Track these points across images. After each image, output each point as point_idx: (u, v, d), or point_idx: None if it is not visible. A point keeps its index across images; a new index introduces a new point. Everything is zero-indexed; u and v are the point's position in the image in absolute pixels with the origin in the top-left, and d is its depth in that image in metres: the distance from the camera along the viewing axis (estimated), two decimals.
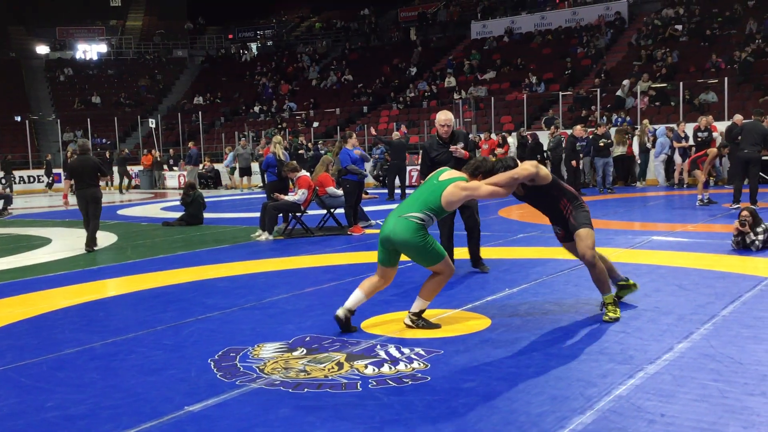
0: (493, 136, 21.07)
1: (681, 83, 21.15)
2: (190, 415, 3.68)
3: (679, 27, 26.67)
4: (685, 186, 16.70)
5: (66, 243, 11.21)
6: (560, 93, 23.98)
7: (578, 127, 17.72)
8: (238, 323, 5.55)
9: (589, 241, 5.19)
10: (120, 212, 16.87)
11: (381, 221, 11.82)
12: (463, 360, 4.40)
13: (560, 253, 7.72)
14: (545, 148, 19.19)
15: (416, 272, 7.09)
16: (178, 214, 13.68)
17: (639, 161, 18.63)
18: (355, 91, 32.01)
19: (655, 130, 18.78)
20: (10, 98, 36.13)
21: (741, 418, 3.35)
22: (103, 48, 43.30)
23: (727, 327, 4.87)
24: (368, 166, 18.14)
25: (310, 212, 11.86)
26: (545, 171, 5.25)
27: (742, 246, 7.83)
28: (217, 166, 26.78)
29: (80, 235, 11.70)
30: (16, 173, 27.96)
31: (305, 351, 4.69)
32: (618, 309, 5.25)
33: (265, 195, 13.21)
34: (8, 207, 17.76)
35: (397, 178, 17.31)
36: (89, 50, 42.81)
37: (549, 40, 30.34)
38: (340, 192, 11.15)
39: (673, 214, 12.14)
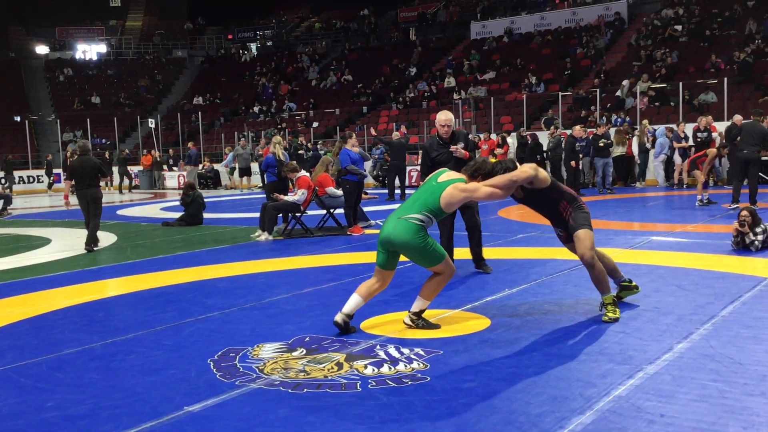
0: (493, 136, 21.07)
1: (680, 83, 21.16)
2: (189, 415, 3.68)
3: (679, 27, 26.68)
4: (684, 186, 16.71)
5: (66, 243, 11.21)
6: (560, 93, 23.99)
7: (577, 127, 17.73)
8: (237, 323, 5.55)
9: (587, 242, 5.19)
10: (119, 212, 16.87)
11: (381, 221, 11.84)
12: (462, 360, 4.40)
13: (560, 253, 7.73)
14: (545, 148, 19.21)
15: (415, 273, 7.10)
16: (177, 215, 13.68)
17: (638, 161, 18.64)
18: (355, 91, 32.02)
19: (655, 130, 18.79)
20: (10, 98, 36.13)
21: (740, 419, 3.36)
22: (102, 48, 43.30)
23: (726, 327, 4.88)
24: (367, 164, 18.17)
25: (310, 212, 11.86)
26: (544, 174, 5.26)
27: (742, 246, 7.84)
28: (216, 166, 26.79)
29: (80, 235, 11.71)
30: (16, 173, 27.97)
31: (305, 351, 4.69)
32: (617, 309, 5.25)
33: (264, 195, 13.21)
34: (8, 207, 17.76)
35: (396, 178, 17.32)
36: (89, 50, 42.81)
37: (548, 41, 30.35)
38: (339, 192, 11.16)
39: (672, 215, 12.14)
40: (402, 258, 5.23)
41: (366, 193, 12.24)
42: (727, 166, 16.49)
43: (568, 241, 5.54)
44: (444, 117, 7.15)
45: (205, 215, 13.51)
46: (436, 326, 5.15)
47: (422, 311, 5.17)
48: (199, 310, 6.07)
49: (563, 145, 17.52)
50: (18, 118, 33.79)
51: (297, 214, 10.90)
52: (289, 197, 10.90)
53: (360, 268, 7.74)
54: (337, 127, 27.99)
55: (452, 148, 7.06)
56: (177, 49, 44.27)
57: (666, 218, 11.65)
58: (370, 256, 8.34)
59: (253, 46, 44.32)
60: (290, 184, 11.69)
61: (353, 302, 5.09)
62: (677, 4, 28.56)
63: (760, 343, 4.50)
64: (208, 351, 4.79)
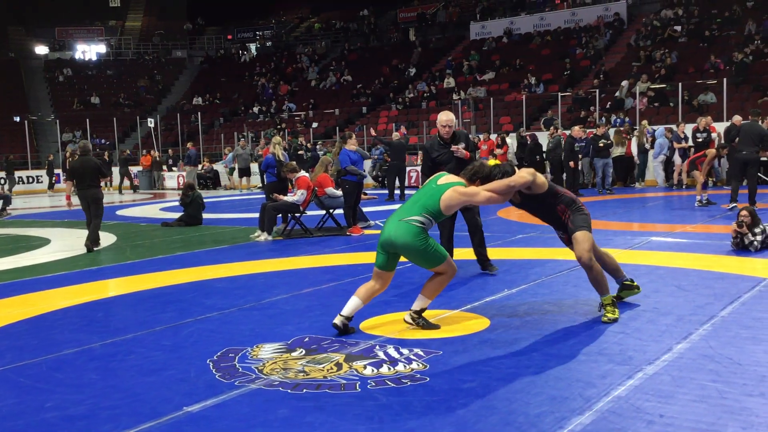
0: (492, 136, 21.08)
1: (680, 84, 21.18)
2: (189, 415, 3.68)
3: (678, 28, 26.69)
4: (684, 187, 16.72)
5: (65, 243, 11.20)
6: (559, 94, 24.00)
7: (576, 127, 17.74)
8: (237, 324, 5.55)
9: (585, 245, 5.19)
10: (119, 213, 16.87)
11: (380, 222, 11.85)
12: (462, 360, 4.40)
13: (559, 253, 7.73)
14: (544, 148, 19.21)
15: (415, 273, 7.10)
16: (177, 215, 13.68)
17: (638, 162, 18.64)
18: (354, 91, 32.02)
19: (654, 130, 18.79)
20: (9, 98, 36.12)
21: (740, 419, 3.36)
22: (102, 48, 43.30)
23: (725, 328, 4.88)
24: (367, 165, 18.17)
25: (309, 213, 11.86)
26: (542, 179, 5.27)
27: (741, 247, 7.84)
28: (215, 166, 26.80)
29: (79, 235, 11.70)
30: (16, 174, 27.97)
31: (304, 351, 4.69)
32: (616, 309, 5.25)
33: (264, 196, 13.21)
34: (7, 207, 17.75)
35: (396, 179, 17.32)
36: (88, 50, 42.81)
37: (548, 41, 30.36)
38: (339, 192, 11.16)
39: (672, 215, 12.15)
40: (402, 258, 5.23)
41: (365, 194, 12.24)
42: (727, 167, 16.50)
43: (569, 243, 5.54)
44: (445, 117, 7.15)
45: (205, 215, 13.52)
46: (435, 326, 5.15)
47: (423, 310, 5.17)
48: (199, 310, 6.07)
49: (563, 146, 17.53)
50: (17, 119, 33.78)
51: (296, 215, 10.90)
52: (289, 197, 10.90)
53: (359, 268, 7.74)
54: (337, 128, 28.01)
55: (453, 147, 7.06)
56: (176, 49, 44.27)
57: (665, 219, 11.65)
58: (369, 257, 8.34)
59: (253, 47, 44.34)
60: (290, 184, 11.69)
61: (352, 305, 5.09)
62: (676, 5, 28.57)
63: (759, 344, 4.50)
64: (207, 351, 4.79)
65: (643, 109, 21.80)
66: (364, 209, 12.19)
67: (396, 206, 14.93)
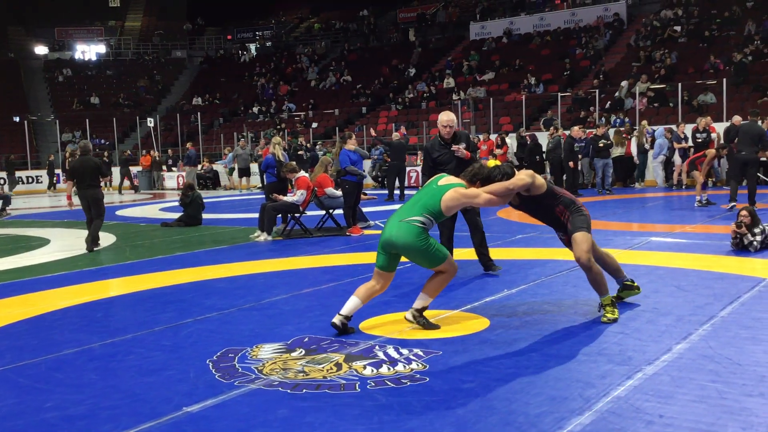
0: (492, 137, 21.09)
1: (680, 84, 21.18)
2: (188, 415, 3.68)
3: (678, 28, 26.69)
4: (683, 187, 16.72)
5: (65, 243, 11.20)
6: (559, 94, 24.00)
7: (576, 128, 17.74)
8: (236, 324, 5.55)
9: (584, 245, 5.20)
10: (119, 213, 16.86)
11: (380, 222, 11.85)
12: (461, 361, 4.40)
13: (559, 254, 7.73)
14: (544, 149, 19.22)
15: (414, 274, 7.10)
16: (176, 215, 13.68)
17: (637, 162, 18.65)
18: (354, 92, 32.02)
19: (654, 131, 18.79)
20: (9, 99, 36.10)
21: (739, 419, 3.36)
22: (101, 48, 43.29)
23: (725, 328, 4.88)
24: (366, 165, 18.16)
25: (309, 213, 11.86)
26: (541, 181, 5.29)
27: (741, 247, 7.84)
28: (215, 166, 26.80)
29: (79, 235, 11.70)
30: (16, 174, 27.99)
31: (304, 352, 4.69)
32: (616, 310, 5.25)
33: (264, 196, 13.21)
34: (7, 207, 17.75)
35: (396, 179, 17.33)
36: (88, 51, 42.80)
37: (548, 41, 30.36)
38: (338, 193, 11.16)
39: (671, 215, 12.15)
40: (403, 259, 5.24)
41: (365, 194, 12.24)
42: (726, 167, 16.51)
43: (569, 244, 5.55)
44: (446, 117, 7.15)
45: (204, 216, 13.52)
46: (435, 326, 5.16)
47: (424, 308, 5.18)
48: (198, 310, 6.07)
49: (562, 146, 17.54)
50: (17, 119, 33.77)
51: (296, 215, 10.90)
52: (288, 198, 10.90)
53: (359, 268, 7.74)
54: (336, 128, 28.01)
55: (454, 147, 7.06)
56: (176, 49, 44.26)
57: (665, 219, 11.66)
58: (369, 257, 8.34)
59: (253, 47, 44.33)
60: (289, 184, 11.69)
61: (352, 304, 5.10)
62: (676, 5, 28.57)
63: (758, 344, 4.50)
64: (207, 351, 4.79)
65: (642, 109, 21.80)
66: (364, 209, 12.19)
67: (396, 206, 14.95)
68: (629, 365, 4.18)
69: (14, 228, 14.15)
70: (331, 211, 11.49)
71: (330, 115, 30.59)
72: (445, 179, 5.27)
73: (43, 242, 11.48)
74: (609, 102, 22.85)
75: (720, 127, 17.13)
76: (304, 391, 3.95)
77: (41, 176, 29.00)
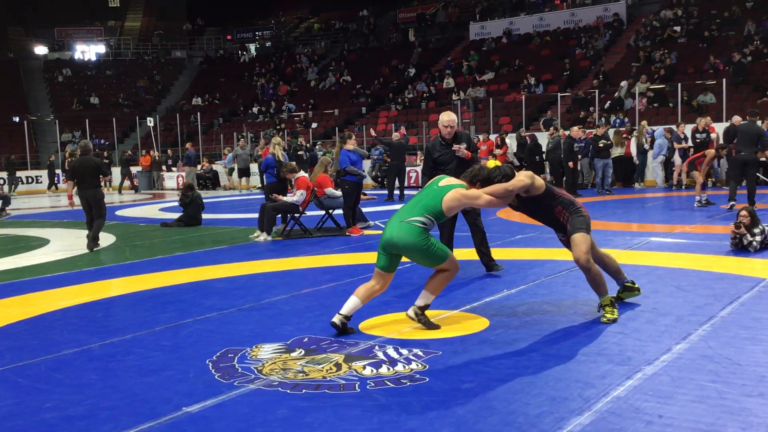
0: (492, 137, 21.09)
1: (679, 84, 21.18)
2: (188, 416, 3.68)
3: (678, 28, 26.70)
4: (683, 187, 16.72)
5: (64, 243, 11.20)
6: (558, 94, 24.01)
7: (575, 128, 17.74)
8: (236, 324, 5.55)
9: (583, 246, 5.20)
10: (118, 213, 16.86)
11: (379, 222, 11.85)
12: (461, 361, 4.40)
13: (558, 254, 7.73)
14: (544, 149, 19.23)
15: (414, 274, 7.11)
16: (176, 215, 13.68)
17: (637, 162, 18.65)
18: (354, 92, 32.03)
19: (653, 131, 18.80)
20: (9, 99, 36.11)
21: (739, 419, 3.36)
22: (101, 49, 43.29)
23: (725, 328, 4.88)
24: (366, 165, 18.15)
25: (309, 213, 11.86)
26: (540, 182, 5.30)
27: (740, 247, 7.85)
28: (215, 166, 26.79)
29: (79, 235, 11.70)
30: (17, 174, 28.00)
31: (303, 352, 4.69)
32: (615, 310, 5.25)
33: (263, 196, 13.21)
34: (6, 207, 17.75)
35: (396, 179, 17.33)
36: (88, 51, 42.79)
37: (547, 42, 30.37)
38: (338, 193, 11.16)
39: (671, 216, 12.15)
40: (404, 259, 5.25)
41: (365, 194, 12.24)
42: (726, 167, 16.51)
43: (568, 245, 5.55)
44: (447, 118, 7.16)
45: (204, 216, 13.52)
46: (436, 326, 5.17)
47: (427, 306, 5.20)
48: (198, 310, 6.07)
49: (562, 146, 17.54)
50: (17, 119, 33.77)
51: (296, 215, 10.90)
52: (288, 198, 10.90)
53: (359, 268, 7.74)
54: (336, 128, 28.00)
55: (455, 147, 7.06)
56: (176, 49, 44.25)
57: (665, 219, 11.66)
58: (368, 257, 8.34)
59: (252, 47, 44.33)
60: (289, 185, 11.69)
61: (351, 304, 5.11)
62: (676, 5, 28.58)
63: (758, 344, 4.50)
64: (206, 352, 4.79)
65: (642, 109, 21.80)
66: (364, 209, 12.19)
67: (395, 207, 14.97)
68: (629, 365, 4.18)
69: (14, 228, 14.15)
70: (330, 211, 11.49)
71: (330, 116, 30.59)
72: (446, 180, 5.29)
73: (42, 242, 11.48)
74: (608, 102, 22.85)
75: (720, 128, 17.13)
76: (304, 391, 3.95)
77: (41, 176, 29.00)
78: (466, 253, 7.68)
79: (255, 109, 33.84)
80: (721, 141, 15.21)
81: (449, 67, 30.99)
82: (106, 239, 11.32)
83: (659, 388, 3.79)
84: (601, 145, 17.29)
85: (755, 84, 21.33)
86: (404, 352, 4.60)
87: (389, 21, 40.31)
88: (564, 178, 17.31)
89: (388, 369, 4.26)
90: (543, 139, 19.69)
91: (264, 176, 12.35)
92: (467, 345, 4.73)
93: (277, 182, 11.46)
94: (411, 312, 5.20)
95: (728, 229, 8.26)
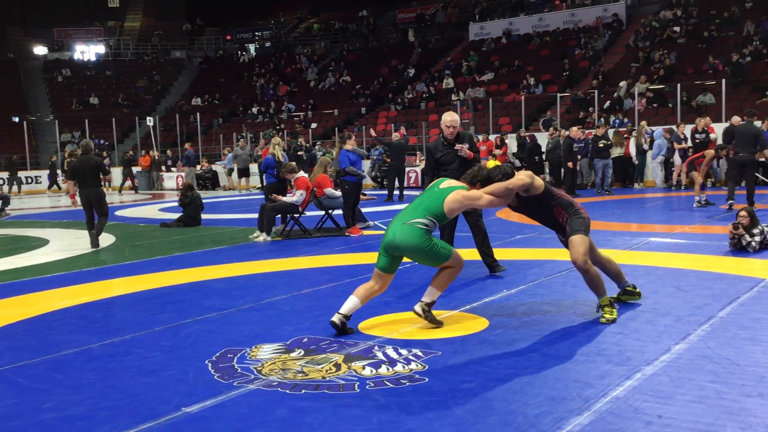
0: (491, 137, 21.10)
1: (678, 85, 21.18)
2: (187, 416, 3.68)
3: (677, 29, 26.71)
4: (682, 187, 16.72)
5: (64, 244, 11.20)
6: (558, 94, 24.01)
7: (575, 128, 17.75)
8: (235, 324, 5.55)
9: (581, 248, 5.20)
10: (118, 213, 16.86)
11: (379, 222, 11.86)
12: (460, 361, 4.40)
13: (558, 254, 7.74)
14: (544, 149, 19.23)
15: (414, 274, 7.11)
16: (176, 215, 13.68)
17: (636, 162, 18.66)
18: (354, 92, 32.03)
19: (653, 131, 18.80)
20: (8, 99, 36.09)
21: (738, 420, 3.36)
22: (101, 49, 43.28)
23: (724, 328, 4.88)
24: (365, 165, 18.13)
25: (308, 213, 11.86)
26: (539, 181, 5.32)
27: (739, 247, 7.85)
28: (214, 167, 26.79)
29: (78, 236, 11.71)
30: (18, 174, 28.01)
31: (303, 352, 4.69)
32: (615, 310, 5.26)
33: (263, 196, 13.21)
34: (6, 208, 17.74)
35: (396, 179, 17.33)
36: (87, 51, 42.79)
37: (547, 42, 30.37)
38: (338, 193, 11.16)
39: (670, 216, 12.16)
40: (404, 259, 5.26)
41: (364, 194, 12.24)
42: (725, 168, 16.51)
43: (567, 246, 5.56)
44: (449, 118, 7.17)
45: (204, 216, 13.51)
46: (439, 323, 5.20)
47: (433, 302, 5.22)
48: (197, 311, 6.07)
49: (561, 146, 17.54)
50: (16, 119, 33.75)
51: (295, 215, 10.90)
52: (288, 198, 10.90)
53: (358, 269, 7.75)
54: (336, 128, 28.00)
55: (457, 146, 7.07)
56: (175, 49, 44.25)
57: (664, 219, 11.66)
58: (368, 257, 8.35)
59: (252, 47, 44.34)
60: (289, 185, 11.69)
61: (351, 304, 5.12)
62: (675, 6, 28.59)
63: (757, 344, 4.50)
64: (206, 352, 4.79)
65: (641, 109, 21.81)
66: (363, 210, 12.19)
67: (395, 207, 14.97)
68: (628, 366, 4.18)
69: (13, 228, 14.14)
70: (330, 211, 11.49)
71: (329, 116, 30.59)
72: (447, 182, 5.33)
73: (42, 242, 11.47)
74: (608, 102, 22.86)
75: (719, 128, 17.13)
76: (303, 391, 3.95)
77: (40, 176, 28.99)
78: (466, 253, 7.64)
79: (254, 110, 33.84)
80: (720, 141, 15.21)
81: (449, 67, 31.00)
82: (105, 239, 11.32)
83: (658, 389, 3.79)
84: (600, 145, 17.29)
85: (754, 84, 21.33)
86: (404, 352, 4.60)
87: (389, 21, 40.32)
88: (563, 179, 17.30)
89: (388, 369, 4.27)
90: (543, 139, 19.69)
91: (264, 176, 12.35)
92: (467, 345, 4.74)
93: (276, 182, 11.46)
94: (418, 308, 5.21)
95: (727, 230, 8.26)
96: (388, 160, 19.33)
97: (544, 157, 19.26)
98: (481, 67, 29.81)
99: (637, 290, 5.75)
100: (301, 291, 6.78)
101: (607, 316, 5.18)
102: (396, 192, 17.21)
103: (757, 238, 7.77)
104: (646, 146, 18.43)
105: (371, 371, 4.23)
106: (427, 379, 4.07)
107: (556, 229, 5.56)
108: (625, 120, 21.33)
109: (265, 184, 12.35)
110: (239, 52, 43.30)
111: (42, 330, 5.67)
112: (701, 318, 5.16)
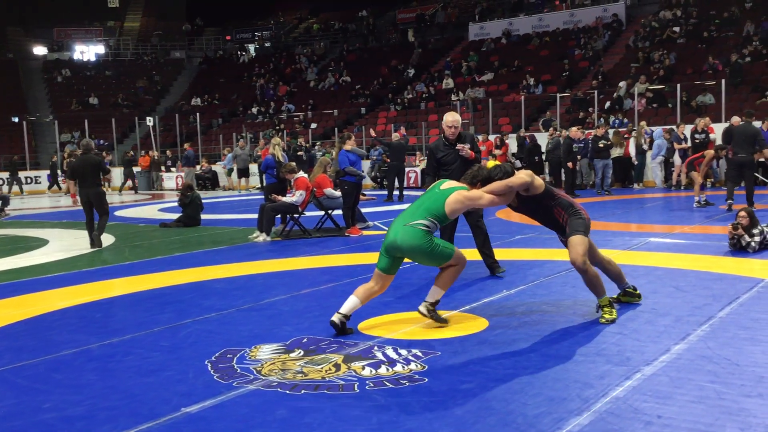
0: (491, 137, 21.09)
1: (678, 85, 21.19)
2: (187, 416, 3.68)
3: (677, 29, 26.71)
4: (682, 188, 16.73)
5: (63, 244, 11.20)
6: (558, 95, 24.01)
7: (574, 128, 17.75)
8: (235, 324, 5.55)
9: (580, 248, 5.20)
10: (117, 213, 16.85)
11: (378, 223, 11.86)
12: (460, 361, 4.40)
13: (557, 254, 7.74)
14: (543, 149, 19.24)
15: (414, 274, 7.12)
16: (175, 216, 13.68)
17: (636, 162, 18.66)
18: (353, 92, 32.03)
19: (652, 131, 18.80)
20: (8, 99, 36.09)
21: (738, 420, 3.36)
22: (100, 49, 43.27)
23: (724, 329, 4.88)
24: (365, 165, 18.11)
25: (308, 213, 11.86)
26: (539, 181, 5.33)
27: (739, 248, 7.85)
28: (214, 167, 26.79)
29: (78, 236, 11.71)
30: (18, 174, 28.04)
31: (302, 352, 4.69)
32: (614, 310, 5.26)
33: (263, 196, 13.21)
34: (5, 208, 17.74)
35: (396, 179, 17.33)
36: (87, 51, 42.78)
37: (546, 42, 30.37)
38: (337, 193, 11.16)
39: (670, 216, 12.16)
40: (406, 259, 5.26)
41: (364, 195, 12.24)
42: (725, 168, 16.51)
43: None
44: (451, 118, 7.18)
45: (203, 216, 13.51)
46: (444, 321, 5.23)
47: (437, 301, 5.24)
48: (197, 311, 6.07)
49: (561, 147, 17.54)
50: (16, 119, 33.74)
51: (295, 216, 10.90)
52: (287, 198, 10.90)
53: (358, 269, 7.75)
54: (336, 129, 28.00)
55: (458, 146, 7.07)
56: (175, 50, 44.24)
57: (664, 219, 11.67)
58: (368, 258, 8.35)
59: (252, 47, 44.33)
60: (288, 185, 11.69)
61: (350, 304, 5.12)
62: (675, 6, 28.59)
63: (757, 345, 4.50)
64: (205, 352, 4.79)
65: (641, 110, 21.81)
66: (363, 210, 12.19)
67: (395, 207, 14.97)
68: (628, 366, 4.18)
69: (13, 228, 14.14)
70: (330, 211, 11.49)
71: (329, 116, 30.59)
72: (448, 183, 5.34)
73: (41, 243, 11.47)
74: (608, 103, 22.87)
75: (719, 128, 17.12)
76: (303, 391, 3.95)
77: (40, 177, 28.99)
78: (466, 254, 7.62)
79: (254, 110, 33.84)
80: (719, 142, 15.21)
81: (448, 67, 31.00)
82: (105, 239, 11.31)
83: (658, 389, 3.79)
84: (600, 145, 17.29)
85: (754, 84, 21.34)
86: (403, 352, 4.60)
87: (388, 21, 40.31)
88: (563, 179, 17.30)
89: (387, 369, 4.27)
90: (542, 139, 19.69)
91: (264, 177, 12.34)
92: (466, 345, 4.74)
93: (276, 183, 11.46)
94: (422, 308, 5.22)
95: (727, 230, 8.27)
96: (388, 161, 19.33)
97: (543, 157, 19.26)
98: (480, 68, 29.82)
99: (637, 292, 5.75)
100: (301, 291, 6.78)
101: (606, 316, 5.18)
102: (396, 192, 17.21)
103: (757, 239, 7.77)
104: (645, 146, 18.43)
105: (371, 371, 4.23)
106: (426, 380, 4.07)
107: (556, 229, 5.57)
108: (625, 120, 21.33)
109: (264, 184, 12.35)
110: (239, 53, 43.29)
111: (41, 330, 5.67)
112: (701, 318, 5.16)
